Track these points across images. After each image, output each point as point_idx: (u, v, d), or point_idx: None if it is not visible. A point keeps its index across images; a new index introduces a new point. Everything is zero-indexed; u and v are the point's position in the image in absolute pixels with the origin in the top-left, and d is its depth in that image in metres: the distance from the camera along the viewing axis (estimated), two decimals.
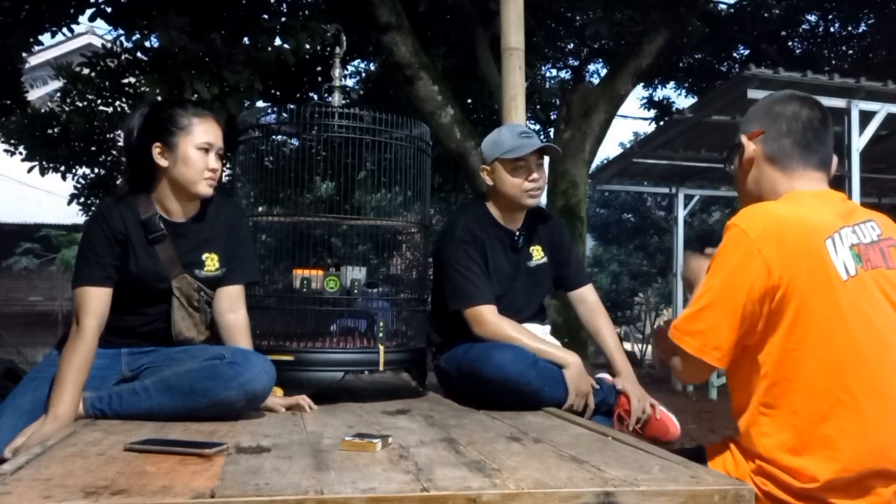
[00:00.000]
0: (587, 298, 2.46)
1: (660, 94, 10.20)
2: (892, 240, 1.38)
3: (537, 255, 2.40)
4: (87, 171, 7.46)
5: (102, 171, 7.41)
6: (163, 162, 1.90)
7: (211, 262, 1.98)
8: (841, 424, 1.25)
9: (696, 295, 1.38)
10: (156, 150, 1.90)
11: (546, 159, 2.39)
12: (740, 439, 1.39)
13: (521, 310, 2.32)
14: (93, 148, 7.08)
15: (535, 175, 2.25)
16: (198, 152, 1.90)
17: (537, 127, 8.58)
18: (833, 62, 8.96)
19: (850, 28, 9.36)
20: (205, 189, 1.92)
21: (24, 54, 6.08)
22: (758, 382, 1.31)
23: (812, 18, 9.40)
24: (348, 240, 2.48)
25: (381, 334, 2.19)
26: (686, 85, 9.86)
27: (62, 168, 7.16)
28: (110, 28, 6.14)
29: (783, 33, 9.31)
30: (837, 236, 1.31)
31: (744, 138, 1.48)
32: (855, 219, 1.38)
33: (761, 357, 1.30)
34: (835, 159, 1.47)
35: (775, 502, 1.28)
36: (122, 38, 5.14)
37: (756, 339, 1.32)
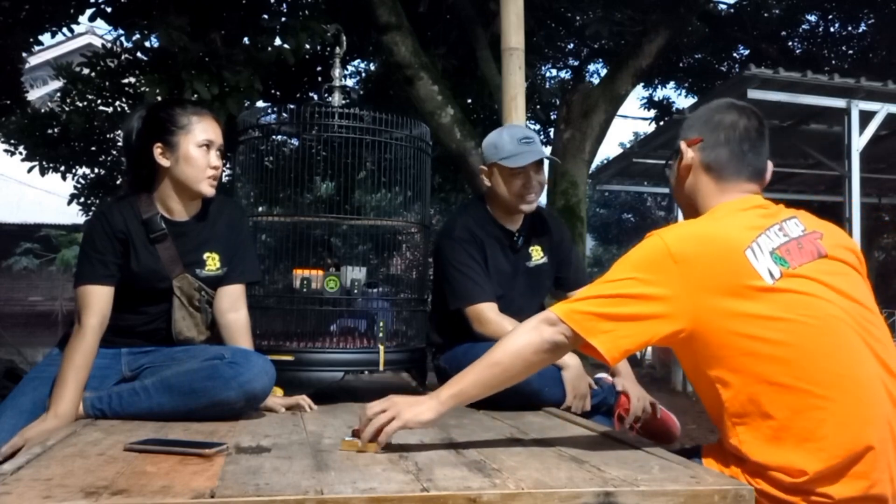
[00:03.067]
0: None
1: (660, 94, 10.21)
2: (818, 233, 1.41)
3: (537, 255, 2.40)
4: (87, 171, 7.47)
5: (102, 171, 7.41)
6: (164, 162, 1.90)
7: (212, 262, 1.98)
8: (814, 415, 1.26)
9: (599, 285, 1.38)
10: (157, 150, 1.90)
11: (546, 162, 2.39)
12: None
13: (520, 310, 2.31)
14: (93, 148, 7.08)
15: (532, 183, 2.25)
16: (199, 150, 1.90)
17: (537, 127, 8.58)
18: (833, 62, 8.95)
19: (850, 28, 9.36)
20: (207, 188, 1.92)
21: (24, 54, 6.07)
22: (722, 398, 1.33)
23: (812, 18, 9.40)
24: (348, 240, 2.48)
25: (381, 334, 2.19)
26: (686, 85, 9.86)
27: (62, 168, 7.16)
28: (110, 28, 6.13)
29: (783, 33, 9.31)
30: (756, 245, 1.33)
31: (683, 144, 1.52)
32: (779, 218, 1.41)
33: (716, 373, 1.32)
34: (769, 165, 1.51)
35: (769, 499, 1.28)
36: (122, 38, 5.13)
37: (698, 357, 1.34)
